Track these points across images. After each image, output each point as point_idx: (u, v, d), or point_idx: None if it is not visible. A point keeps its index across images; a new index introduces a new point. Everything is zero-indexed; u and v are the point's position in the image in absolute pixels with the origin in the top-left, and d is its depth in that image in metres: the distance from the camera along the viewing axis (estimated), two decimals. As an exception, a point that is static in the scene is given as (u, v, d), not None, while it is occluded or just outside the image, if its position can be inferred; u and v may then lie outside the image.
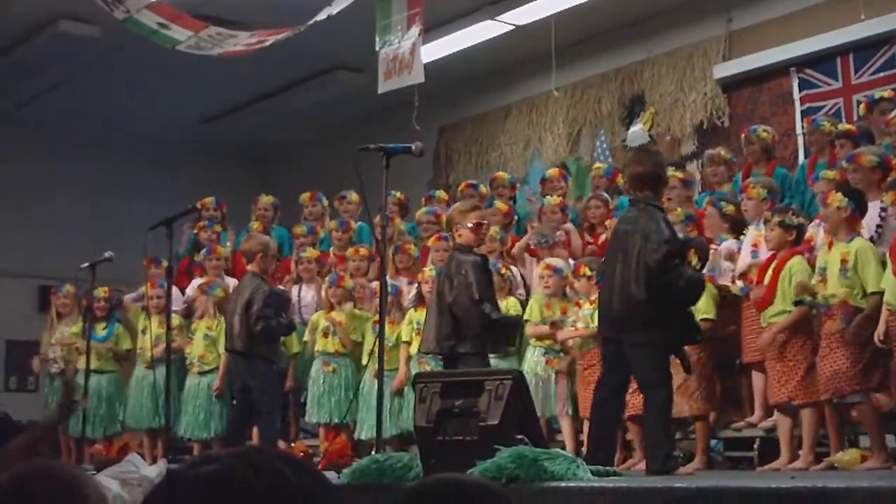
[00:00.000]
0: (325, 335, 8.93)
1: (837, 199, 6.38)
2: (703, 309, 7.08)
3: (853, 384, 6.21)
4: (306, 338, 9.18)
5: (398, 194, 10.04)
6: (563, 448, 6.90)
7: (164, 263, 9.22)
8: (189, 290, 10.07)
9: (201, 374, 9.27)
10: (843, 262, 6.32)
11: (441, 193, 10.47)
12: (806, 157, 9.19)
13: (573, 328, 7.67)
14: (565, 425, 7.80)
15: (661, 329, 5.81)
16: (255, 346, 8.23)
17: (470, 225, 6.96)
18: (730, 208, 7.59)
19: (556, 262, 8.03)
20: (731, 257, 7.34)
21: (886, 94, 8.30)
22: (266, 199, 10.65)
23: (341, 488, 5.15)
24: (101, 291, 9.90)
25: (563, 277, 7.94)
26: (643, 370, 5.86)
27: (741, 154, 8.81)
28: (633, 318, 5.79)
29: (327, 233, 10.24)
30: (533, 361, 7.93)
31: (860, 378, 6.19)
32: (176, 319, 9.17)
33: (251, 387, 8.27)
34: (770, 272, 6.74)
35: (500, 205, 9.19)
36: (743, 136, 8.46)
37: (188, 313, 9.92)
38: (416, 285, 8.61)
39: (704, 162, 8.61)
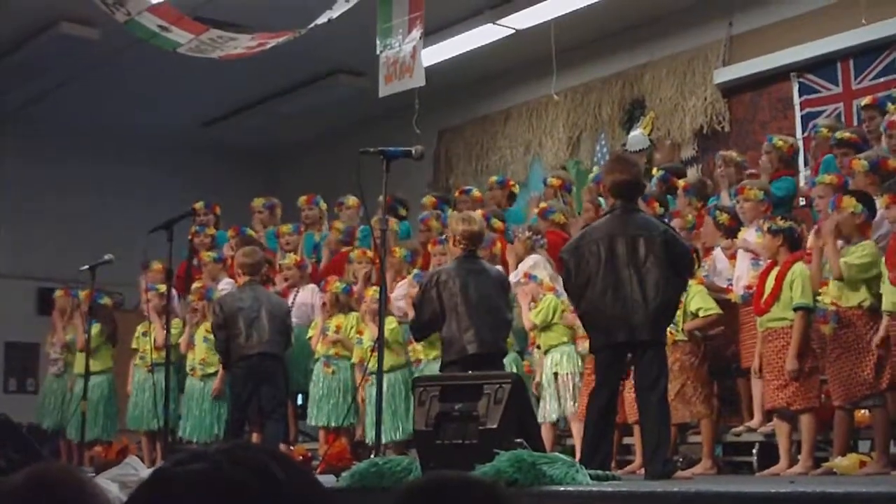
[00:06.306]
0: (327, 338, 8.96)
1: (851, 203, 6.31)
2: (705, 305, 7.11)
3: (864, 389, 6.20)
4: (310, 333, 9.22)
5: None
6: (572, 451, 6.91)
7: (159, 266, 9.29)
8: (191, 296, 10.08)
9: (204, 377, 9.27)
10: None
11: (426, 199, 10.50)
12: (806, 163, 9.18)
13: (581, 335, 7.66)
14: (576, 428, 7.75)
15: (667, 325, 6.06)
16: (282, 349, 8.53)
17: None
18: (723, 217, 7.58)
19: (532, 269, 8.08)
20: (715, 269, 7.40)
21: (865, 101, 8.30)
22: (258, 202, 10.76)
23: (341, 491, 5.15)
24: (84, 294, 9.83)
25: (539, 284, 7.99)
26: (655, 372, 5.84)
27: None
28: (661, 318, 5.87)
29: (323, 236, 10.27)
30: (553, 362, 7.90)
31: (872, 382, 6.18)
32: (176, 324, 9.19)
33: (263, 390, 8.32)
34: (773, 279, 6.72)
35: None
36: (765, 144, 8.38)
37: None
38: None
39: (717, 162, 8.61)
